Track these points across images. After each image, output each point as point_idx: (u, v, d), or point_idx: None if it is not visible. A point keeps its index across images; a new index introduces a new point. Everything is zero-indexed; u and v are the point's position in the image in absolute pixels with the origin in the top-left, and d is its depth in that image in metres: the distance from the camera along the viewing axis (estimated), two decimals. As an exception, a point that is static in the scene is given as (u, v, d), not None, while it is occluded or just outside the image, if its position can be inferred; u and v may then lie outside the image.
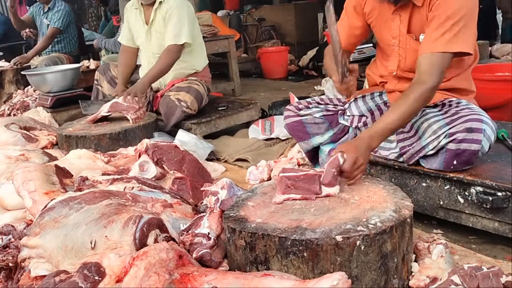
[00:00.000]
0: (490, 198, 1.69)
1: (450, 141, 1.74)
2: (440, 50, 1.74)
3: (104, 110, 2.97)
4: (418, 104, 1.73)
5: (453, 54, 1.76)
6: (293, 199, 1.55)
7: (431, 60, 1.74)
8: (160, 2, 3.25)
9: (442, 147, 1.77)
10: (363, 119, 2.10)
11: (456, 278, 1.32)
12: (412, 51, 1.93)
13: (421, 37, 1.88)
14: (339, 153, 1.59)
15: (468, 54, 1.78)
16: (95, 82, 3.65)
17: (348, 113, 2.14)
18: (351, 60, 4.42)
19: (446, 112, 1.84)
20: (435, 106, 1.95)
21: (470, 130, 1.70)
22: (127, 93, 3.02)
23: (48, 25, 5.30)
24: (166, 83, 3.36)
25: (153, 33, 3.34)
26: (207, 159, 2.85)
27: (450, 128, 1.74)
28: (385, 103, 2.13)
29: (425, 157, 1.85)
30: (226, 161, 2.93)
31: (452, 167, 1.78)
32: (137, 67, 3.64)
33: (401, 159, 1.92)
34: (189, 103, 3.18)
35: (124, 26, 3.54)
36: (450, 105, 1.89)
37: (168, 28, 3.22)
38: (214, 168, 2.70)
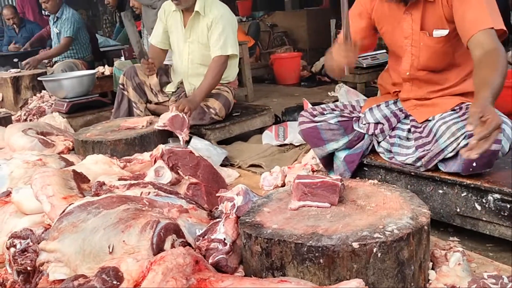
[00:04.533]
0: (508, 206, 1.67)
1: None
2: (490, 26, 1.71)
3: (160, 123, 2.90)
4: (505, 62, 1.66)
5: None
6: (309, 206, 1.55)
7: (489, 35, 1.71)
8: (197, 12, 3.21)
9: (462, 148, 1.75)
10: (379, 126, 2.09)
11: (475, 288, 1.31)
12: (425, 48, 1.94)
13: (435, 32, 1.89)
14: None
15: (504, 32, 1.76)
16: (121, 86, 3.57)
17: (363, 122, 2.14)
18: (365, 66, 4.45)
19: (463, 114, 1.84)
20: (453, 110, 1.94)
21: None
22: (183, 106, 2.92)
23: (57, 33, 5.39)
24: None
25: (195, 43, 3.32)
26: (221, 165, 2.86)
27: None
28: (400, 109, 2.12)
29: (443, 160, 1.84)
30: (240, 167, 2.94)
31: (471, 169, 1.76)
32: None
33: (419, 163, 1.91)
34: (217, 110, 3.21)
35: (158, 27, 3.49)
36: (467, 108, 1.88)
37: (213, 38, 3.19)
38: (228, 174, 2.71)
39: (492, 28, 1.72)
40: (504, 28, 1.75)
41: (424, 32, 1.93)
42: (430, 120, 2.00)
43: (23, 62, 5.40)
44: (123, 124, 3.08)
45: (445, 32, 1.88)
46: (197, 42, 3.32)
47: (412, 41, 1.97)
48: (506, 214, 1.69)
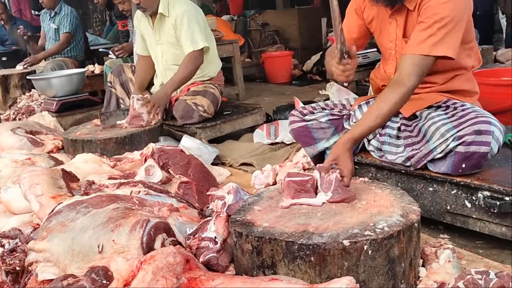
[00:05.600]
0: (498, 203, 1.68)
1: (459, 144, 1.73)
2: (423, 53, 1.77)
3: (123, 122, 3.00)
4: (397, 105, 1.80)
5: (435, 58, 1.79)
6: (299, 204, 1.55)
7: (413, 62, 1.78)
8: (161, 14, 3.24)
9: (451, 150, 1.77)
10: None
11: (462, 284, 1.31)
12: None
13: None
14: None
15: (451, 58, 1.80)
16: (109, 84, 3.63)
17: (353, 119, 2.14)
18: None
19: (453, 115, 1.84)
20: (439, 107, 1.95)
21: (478, 132, 1.70)
22: (151, 104, 2.98)
23: (55, 29, 5.33)
24: (182, 89, 3.36)
25: (165, 44, 3.34)
26: (212, 164, 2.86)
27: (458, 131, 1.74)
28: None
29: (432, 160, 1.84)
30: (231, 166, 2.93)
31: (460, 171, 1.77)
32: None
33: (408, 163, 1.92)
34: (206, 107, 3.20)
35: (137, 36, 3.56)
36: (455, 108, 1.89)
37: (182, 37, 3.21)
38: (219, 173, 2.70)
39: (426, 55, 1.76)
40: (444, 54, 1.76)
41: (406, 39, 1.94)
42: (418, 118, 2.01)
43: (24, 61, 5.36)
44: (94, 121, 3.16)
45: None
46: (167, 43, 3.34)
47: (395, 46, 1.99)
48: (495, 211, 1.70)
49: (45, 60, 5.38)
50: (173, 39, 3.28)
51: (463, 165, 1.76)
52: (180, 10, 3.21)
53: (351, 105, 2.23)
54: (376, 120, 1.78)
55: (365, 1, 2.06)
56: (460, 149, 1.74)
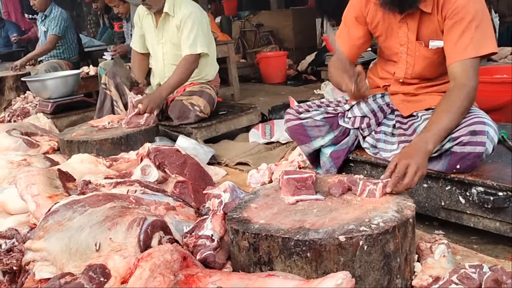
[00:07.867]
0: (491, 198, 1.70)
1: (455, 144, 1.75)
2: (472, 56, 1.79)
3: (122, 123, 3.02)
4: (467, 103, 1.77)
5: (483, 56, 1.82)
6: (302, 200, 1.56)
7: (466, 66, 1.80)
8: (166, 13, 3.25)
9: (446, 150, 1.78)
10: (366, 120, 2.11)
11: (456, 278, 1.33)
12: (421, 58, 1.96)
13: (431, 43, 1.92)
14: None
15: (495, 53, 1.84)
16: (103, 86, 3.61)
17: (349, 115, 2.15)
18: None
19: None
20: None
21: (474, 132, 1.72)
22: (145, 105, 2.99)
23: (45, 31, 5.33)
24: (178, 89, 3.36)
25: (167, 43, 3.35)
26: (208, 163, 2.86)
27: (454, 132, 1.76)
28: (387, 104, 2.14)
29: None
30: (227, 165, 2.94)
31: (454, 170, 1.79)
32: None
33: (402, 161, 1.93)
34: (202, 107, 3.22)
35: (136, 32, 3.54)
36: None
37: (183, 37, 3.22)
38: (215, 172, 2.71)
39: (473, 57, 1.79)
40: (491, 51, 1.81)
41: (420, 42, 1.94)
42: (415, 117, 2.02)
43: (12, 65, 5.37)
44: (90, 122, 3.18)
45: (441, 43, 1.90)
46: (169, 43, 3.34)
47: (407, 50, 1.98)
48: (489, 206, 1.72)
49: (38, 62, 5.38)
50: (176, 40, 3.28)
51: (458, 166, 1.78)
52: (186, 11, 3.21)
53: (346, 101, 2.23)
54: (450, 120, 1.74)
55: (367, 6, 2.04)
56: (456, 149, 1.76)
